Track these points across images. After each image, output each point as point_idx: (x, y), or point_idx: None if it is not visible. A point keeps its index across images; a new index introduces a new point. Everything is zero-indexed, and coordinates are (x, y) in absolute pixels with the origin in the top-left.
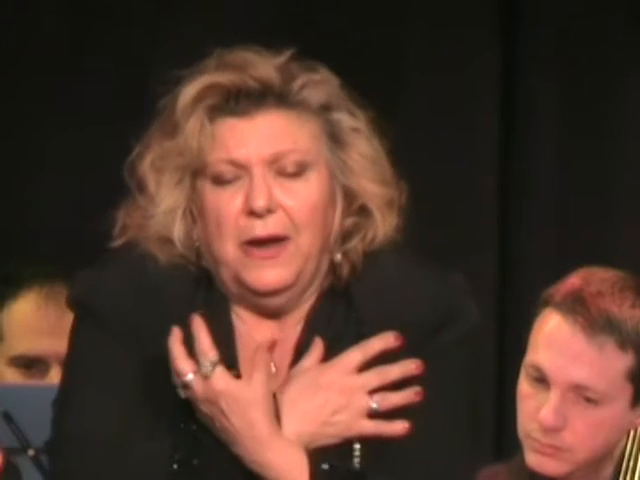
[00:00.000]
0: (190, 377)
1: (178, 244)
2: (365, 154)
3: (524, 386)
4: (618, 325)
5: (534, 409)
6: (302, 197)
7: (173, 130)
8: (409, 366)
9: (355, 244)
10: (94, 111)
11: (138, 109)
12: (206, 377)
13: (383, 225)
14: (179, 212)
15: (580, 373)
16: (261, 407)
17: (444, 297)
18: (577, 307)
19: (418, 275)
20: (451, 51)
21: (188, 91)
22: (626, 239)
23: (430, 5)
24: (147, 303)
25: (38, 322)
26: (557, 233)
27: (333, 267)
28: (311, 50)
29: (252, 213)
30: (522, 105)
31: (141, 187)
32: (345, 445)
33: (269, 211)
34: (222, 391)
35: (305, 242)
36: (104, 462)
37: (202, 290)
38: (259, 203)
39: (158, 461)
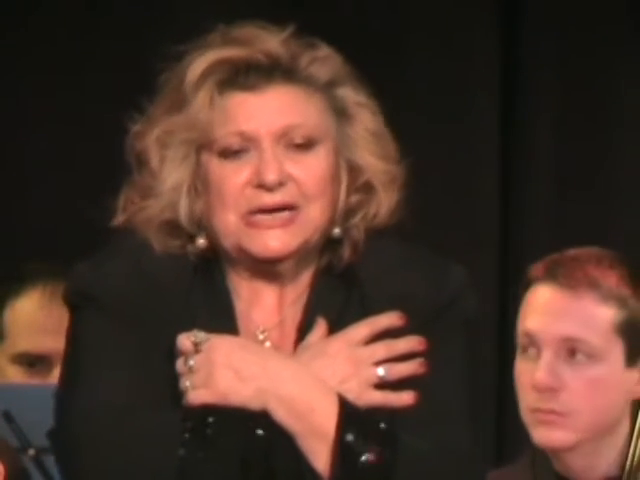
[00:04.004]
0: (191, 360)
1: (184, 220)
2: (370, 129)
3: (519, 364)
4: (597, 281)
5: (530, 379)
6: (311, 169)
7: (180, 105)
8: (413, 342)
9: (357, 221)
10: (94, 109)
11: (139, 103)
12: (205, 342)
13: (386, 201)
14: (184, 188)
15: (566, 326)
16: (270, 349)
17: (447, 281)
18: (557, 271)
19: (420, 258)
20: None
21: (196, 66)
22: (627, 237)
23: (429, 10)
24: (146, 292)
25: (42, 320)
26: (557, 231)
27: (331, 245)
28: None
29: (261, 186)
30: (521, 101)
31: (142, 164)
32: None
33: (280, 184)
34: (224, 341)
35: (315, 213)
36: (117, 432)
37: (200, 278)
38: (270, 177)
39: (170, 429)
